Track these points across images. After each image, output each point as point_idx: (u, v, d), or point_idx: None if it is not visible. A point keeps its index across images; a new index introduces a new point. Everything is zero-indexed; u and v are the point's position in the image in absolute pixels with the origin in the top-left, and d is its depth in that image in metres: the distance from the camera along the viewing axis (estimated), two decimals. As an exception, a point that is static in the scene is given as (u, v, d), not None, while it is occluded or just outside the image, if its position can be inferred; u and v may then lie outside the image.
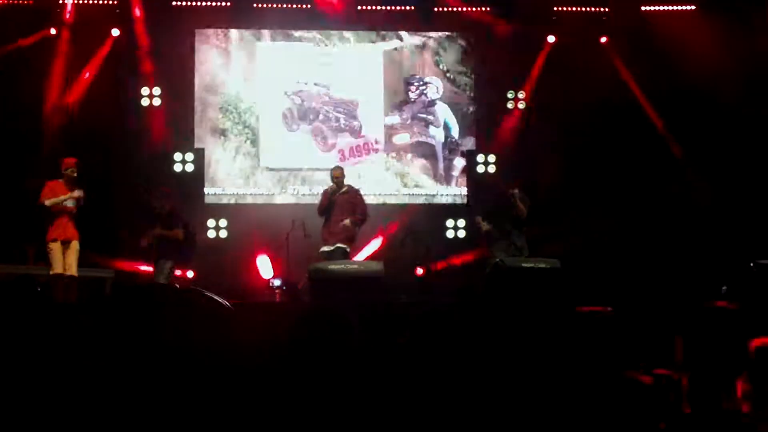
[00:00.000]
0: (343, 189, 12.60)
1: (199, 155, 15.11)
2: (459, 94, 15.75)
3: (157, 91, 15.10)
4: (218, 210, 15.11)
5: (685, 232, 14.47)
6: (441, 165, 15.67)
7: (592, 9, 15.70)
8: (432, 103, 15.73)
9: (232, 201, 15.13)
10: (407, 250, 14.33)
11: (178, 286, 10.53)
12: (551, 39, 15.59)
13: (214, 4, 15.20)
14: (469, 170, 15.62)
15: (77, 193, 11.41)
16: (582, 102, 14.79)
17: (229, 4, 15.22)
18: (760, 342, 6.14)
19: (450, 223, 15.53)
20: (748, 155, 14.62)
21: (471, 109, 15.72)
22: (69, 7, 14.68)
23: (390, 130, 15.62)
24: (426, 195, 15.56)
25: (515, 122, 15.56)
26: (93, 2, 14.92)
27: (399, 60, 15.70)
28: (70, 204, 11.43)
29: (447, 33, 15.75)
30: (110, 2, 14.98)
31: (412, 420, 3.64)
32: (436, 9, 15.49)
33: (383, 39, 15.69)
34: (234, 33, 15.38)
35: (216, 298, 4.91)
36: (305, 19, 15.34)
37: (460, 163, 15.72)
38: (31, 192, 11.75)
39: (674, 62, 14.82)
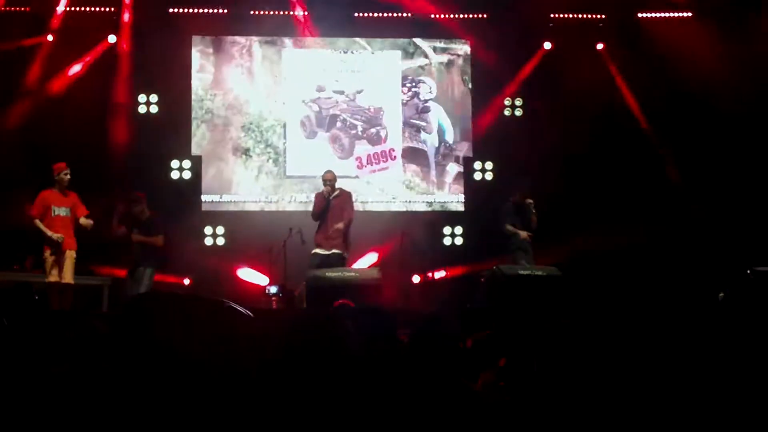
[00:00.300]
0: (336, 192, 12.61)
1: (196, 162, 15.10)
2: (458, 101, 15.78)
3: (153, 98, 15.11)
4: (216, 217, 15.10)
5: (683, 239, 14.47)
6: (433, 171, 15.61)
7: (589, 16, 15.73)
8: (426, 108, 15.70)
9: (230, 208, 15.11)
10: (404, 257, 14.31)
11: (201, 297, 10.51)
12: (548, 45, 15.62)
13: (210, 11, 15.19)
14: (467, 177, 15.61)
15: (57, 237, 11.42)
16: (578, 108, 14.81)
17: (225, 11, 15.22)
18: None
19: (447, 230, 15.53)
20: (745, 161, 14.62)
21: (468, 115, 15.72)
22: (60, 12, 14.68)
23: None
24: (423, 202, 15.53)
25: (512, 129, 15.56)
26: (89, 9, 14.90)
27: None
28: (56, 237, 11.42)
29: (445, 40, 15.75)
30: (107, 9, 14.97)
31: (410, 428, 3.64)
32: (433, 16, 15.49)
33: (410, 57, 15.69)
34: (255, 45, 15.37)
35: (238, 307, 4.89)
36: (301, 27, 15.34)
37: (453, 168, 15.67)
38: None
39: (670, 68, 14.84)
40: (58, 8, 14.69)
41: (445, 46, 15.75)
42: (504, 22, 15.48)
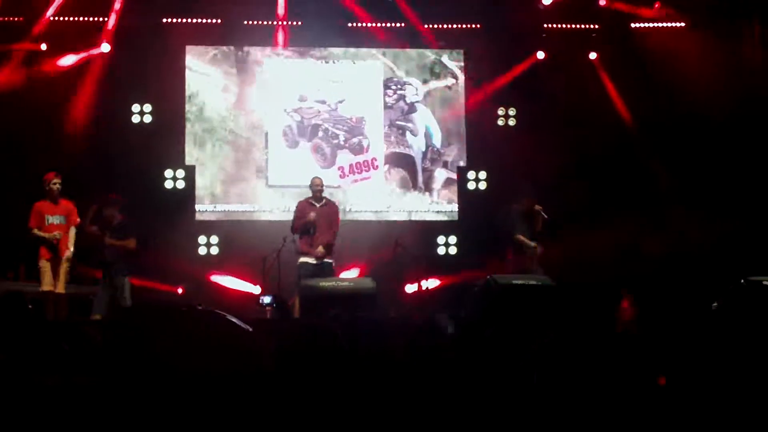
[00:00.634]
0: (323, 201, 12.61)
1: (190, 172, 15.08)
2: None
3: (147, 107, 15.10)
4: (209, 226, 15.08)
5: (676, 247, 14.47)
6: (420, 177, 15.60)
7: (582, 26, 15.76)
8: (411, 108, 15.68)
9: (223, 218, 15.10)
10: (397, 266, 14.30)
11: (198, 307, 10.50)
12: (541, 55, 15.64)
13: (204, 21, 15.19)
14: (461, 186, 15.60)
15: (51, 236, 11.45)
16: (572, 118, 14.84)
17: (219, 21, 15.21)
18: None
19: (441, 239, 15.52)
20: (738, 170, 14.64)
21: (462, 123, 15.73)
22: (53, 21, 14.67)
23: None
24: (413, 211, 15.52)
25: (506, 138, 15.56)
26: (82, 19, 14.88)
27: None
28: (49, 237, 11.44)
29: (440, 49, 15.75)
30: (101, 18, 14.96)
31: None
32: (426, 26, 15.50)
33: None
34: (241, 55, 15.39)
35: (235, 320, 4.89)
36: (294, 37, 15.35)
37: (442, 174, 15.65)
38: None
39: (663, 78, 14.87)
40: (50, 17, 14.67)
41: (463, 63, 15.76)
42: (498, 32, 15.49)
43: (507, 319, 10.45)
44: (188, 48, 15.24)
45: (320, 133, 15.42)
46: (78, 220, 11.77)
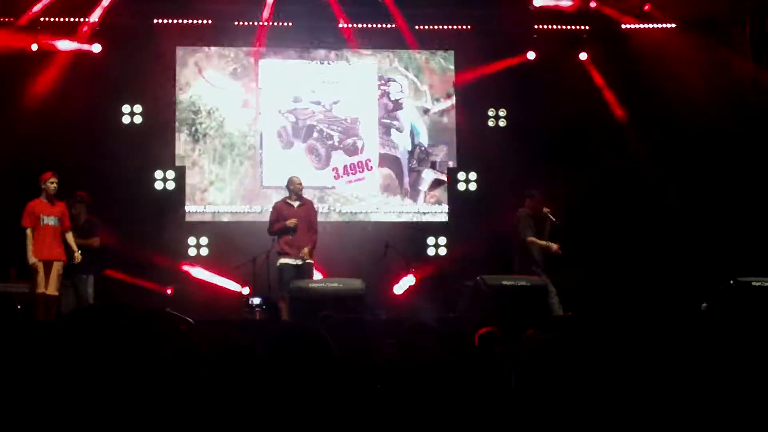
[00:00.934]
0: (302, 201, 12.61)
1: (180, 173, 15.06)
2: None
3: (138, 108, 15.08)
4: (199, 227, 15.07)
5: (665, 249, 14.50)
6: (407, 178, 15.58)
7: (573, 27, 15.77)
8: (396, 106, 15.67)
9: (213, 219, 15.07)
10: (386, 267, 14.30)
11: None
12: (531, 56, 15.65)
13: (195, 21, 15.18)
14: (450, 187, 15.60)
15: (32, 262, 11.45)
16: (562, 118, 14.87)
17: (210, 22, 15.20)
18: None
19: (431, 240, 15.52)
20: (727, 171, 14.67)
21: (452, 125, 15.72)
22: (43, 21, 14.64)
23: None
24: (403, 212, 15.51)
25: (496, 139, 15.56)
26: (73, 19, 14.84)
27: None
28: (31, 262, 11.44)
29: (430, 51, 15.75)
30: (91, 19, 14.92)
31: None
32: (417, 27, 15.50)
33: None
34: (233, 55, 15.36)
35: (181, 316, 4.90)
36: (286, 38, 15.34)
37: (429, 175, 15.60)
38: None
39: (654, 79, 14.89)
40: (41, 18, 14.64)
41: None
42: (488, 34, 15.49)
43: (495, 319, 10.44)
44: (205, 63, 15.27)
45: (315, 134, 15.40)
46: (69, 225, 11.76)
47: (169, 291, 14.31)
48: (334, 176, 15.28)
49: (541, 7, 15.19)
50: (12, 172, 13.66)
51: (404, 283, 14.10)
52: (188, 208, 15.02)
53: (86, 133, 14.54)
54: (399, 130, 15.59)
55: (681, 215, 14.74)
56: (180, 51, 15.25)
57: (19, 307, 10.11)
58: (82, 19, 14.77)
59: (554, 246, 12.43)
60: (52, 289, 11.45)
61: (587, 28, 15.76)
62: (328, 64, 15.54)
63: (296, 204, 12.55)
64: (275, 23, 15.19)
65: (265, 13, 14.99)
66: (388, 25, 15.38)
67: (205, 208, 15.04)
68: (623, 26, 15.62)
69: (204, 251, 15.00)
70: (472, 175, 15.70)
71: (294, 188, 12.60)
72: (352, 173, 15.38)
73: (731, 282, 11.22)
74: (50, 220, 11.54)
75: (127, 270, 13.87)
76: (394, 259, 14.13)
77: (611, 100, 15.56)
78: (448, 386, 4.20)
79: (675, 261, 14.22)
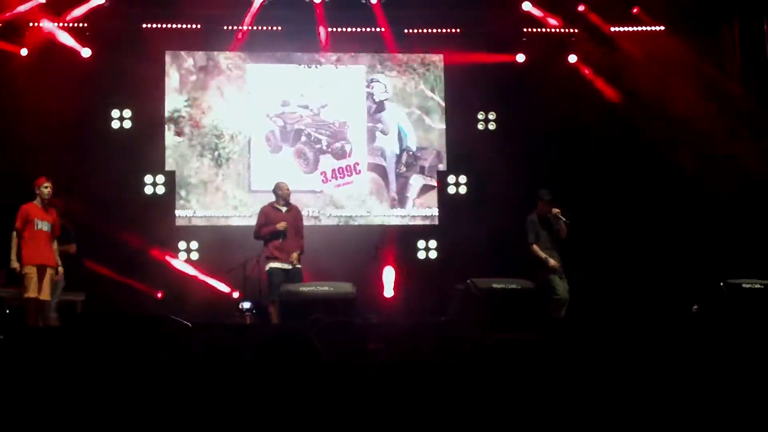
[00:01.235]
0: (290, 207, 12.60)
1: (170, 177, 15.04)
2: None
3: (127, 113, 15.06)
4: (189, 232, 15.04)
5: (657, 250, 14.52)
6: (393, 185, 15.53)
7: (562, 30, 15.78)
8: (380, 107, 15.66)
9: (204, 223, 15.05)
10: (377, 271, 14.29)
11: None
12: (521, 58, 15.67)
13: (184, 26, 15.17)
14: (441, 191, 15.58)
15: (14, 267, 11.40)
16: (551, 121, 14.89)
17: (199, 26, 15.19)
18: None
19: (422, 244, 15.51)
20: (719, 173, 14.68)
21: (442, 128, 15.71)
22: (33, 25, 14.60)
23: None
24: (393, 216, 15.48)
25: (486, 143, 15.55)
26: (65, 24, 14.79)
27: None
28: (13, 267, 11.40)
29: (418, 55, 15.74)
30: (81, 24, 14.88)
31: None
32: (406, 31, 15.50)
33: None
34: (221, 59, 15.35)
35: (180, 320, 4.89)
36: (274, 42, 15.33)
37: (418, 181, 15.53)
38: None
39: (642, 82, 14.91)
40: (31, 22, 14.61)
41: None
42: (477, 37, 15.49)
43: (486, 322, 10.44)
44: (220, 79, 15.27)
45: (303, 138, 15.37)
46: (58, 233, 11.73)
47: (159, 295, 14.31)
48: (323, 180, 15.25)
49: (530, 12, 15.22)
50: (0, 177, 13.62)
51: (388, 278, 14.09)
52: (178, 212, 14.98)
53: (76, 137, 14.54)
54: (384, 132, 15.54)
55: (670, 217, 14.75)
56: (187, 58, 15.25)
57: (7, 311, 10.16)
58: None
59: (552, 261, 12.27)
60: (45, 295, 11.41)
61: (576, 31, 15.77)
62: (316, 68, 15.53)
63: (284, 209, 12.53)
64: (263, 27, 15.18)
65: (247, 19, 14.98)
66: (376, 29, 15.36)
67: (195, 213, 14.99)
68: (611, 29, 15.63)
69: (194, 255, 14.97)
70: (462, 179, 15.69)
71: (282, 194, 12.58)
72: (340, 177, 15.36)
73: (722, 284, 11.22)
74: (44, 226, 11.50)
75: (117, 272, 13.88)
76: (385, 263, 14.14)
77: (600, 101, 15.57)
78: (439, 389, 4.19)
79: (666, 263, 14.22)
